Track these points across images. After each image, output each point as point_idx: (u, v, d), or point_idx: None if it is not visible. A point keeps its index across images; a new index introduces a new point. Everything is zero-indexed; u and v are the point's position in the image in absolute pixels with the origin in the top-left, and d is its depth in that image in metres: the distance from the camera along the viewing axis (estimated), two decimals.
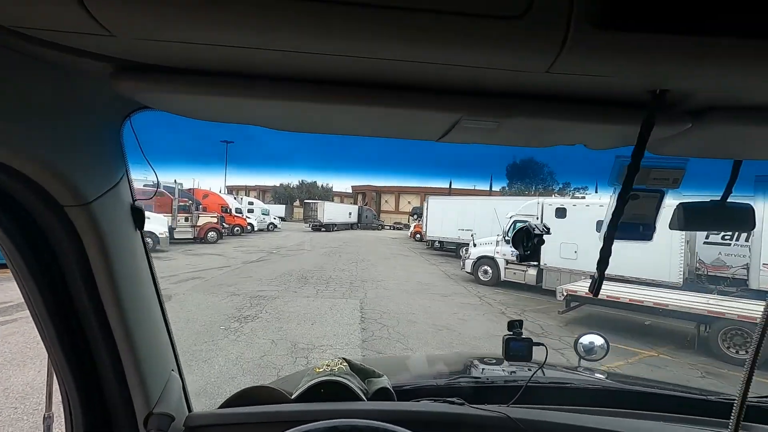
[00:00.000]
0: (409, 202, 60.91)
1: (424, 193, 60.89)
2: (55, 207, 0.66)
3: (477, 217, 18.31)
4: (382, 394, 1.22)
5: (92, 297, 0.78)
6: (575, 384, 1.45)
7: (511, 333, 1.27)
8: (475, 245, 13.06)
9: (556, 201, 11.71)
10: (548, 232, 1.08)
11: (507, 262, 12.12)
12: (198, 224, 20.32)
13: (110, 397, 0.86)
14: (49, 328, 0.76)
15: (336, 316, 7.73)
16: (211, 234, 20.74)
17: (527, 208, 11.81)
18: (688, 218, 0.99)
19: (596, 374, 1.77)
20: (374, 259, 17.75)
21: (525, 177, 44.57)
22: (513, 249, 11.97)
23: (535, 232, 1.07)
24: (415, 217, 43.51)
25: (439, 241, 21.72)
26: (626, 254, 9.72)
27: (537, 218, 11.48)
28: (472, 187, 57.15)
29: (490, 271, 12.44)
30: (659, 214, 0.92)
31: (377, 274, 13.10)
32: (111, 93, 0.65)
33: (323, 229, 36.99)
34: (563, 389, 1.40)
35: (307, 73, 0.62)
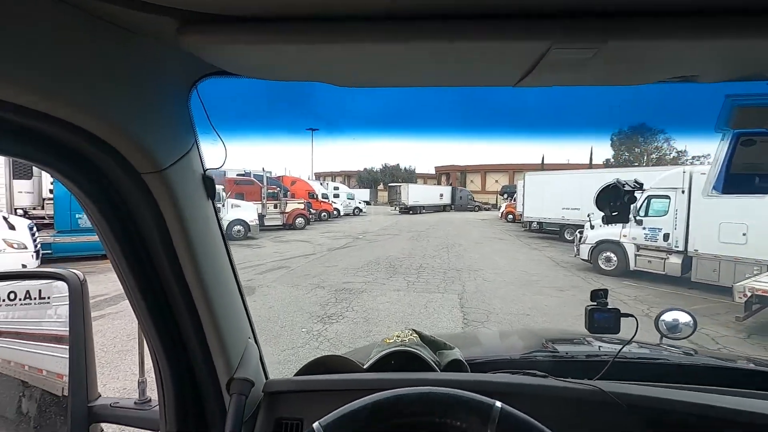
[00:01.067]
0: (496, 181, 57.45)
1: (513, 170, 57.13)
2: (133, 174, 0.67)
3: (588, 193, 15.66)
4: (455, 365, 1.13)
5: (173, 264, 0.78)
6: (669, 359, 1.36)
7: (595, 303, 1.13)
8: (592, 227, 10.85)
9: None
10: (641, 188, 1.02)
11: (638, 247, 9.80)
12: (286, 211, 20.50)
13: (195, 362, 0.87)
14: (136, 295, 0.78)
15: (433, 317, 6.50)
16: (299, 220, 20.83)
17: (667, 179, 9.31)
18: None
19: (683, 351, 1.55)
20: (466, 243, 16.17)
21: (635, 146, 38.96)
22: (635, 226, 9.53)
23: (626, 188, 1.00)
24: (506, 196, 40.54)
25: (538, 222, 19.30)
26: None
27: (683, 192, 8.98)
28: (567, 161, 52.01)
29: (615, 258, 10.21)
30: None
31: (473, 262, 11.58)
32: (180, 56, 0.66)
33: (411, 212, 36.11)
34: (656, 365, 1.29)
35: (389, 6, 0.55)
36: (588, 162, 46.29)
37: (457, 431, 0.66)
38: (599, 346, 1.55)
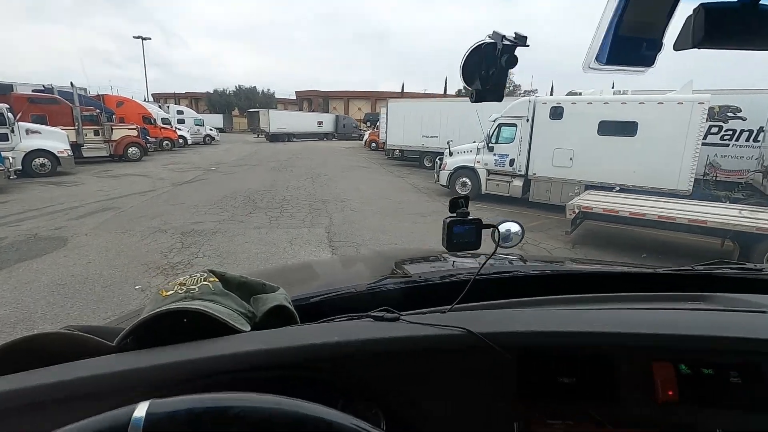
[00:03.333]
0: (359, 108, 57.19)
1: (375, 98, 57.51)
2: None
3: (446, 122, 16.36)
4: (277, 315, 0.80)
5: None
6: (523, 271, 1.30)
7: (454, 215, 0.93)
8: (451, 154, 11.34)
9: (552, 99, 9.95)
10: (524, 43, 0.77)
11: (489, 172, 10.62)
12: (113, 139, 16.73)
13: None
14: None
15: (299, 255, 5.95)
16: (132, 150, 17.32)
17: (515, 108, 9.99)
18: (710, 28, 0.67)
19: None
20: (331, 172, 15.68)
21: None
22: (492, 155, 10.40)
23: (505, 43, 0.76)
24: (369, 124, 40.69)
25: (400, 150, 19.79)
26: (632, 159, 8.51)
27: (528, 120, 9.79)
28: (423, 91, 54.31)
29: (469, 183, 10.95)
30: (669, 22, 0.68)
31: (339, 192, 11.21)
32: None
33: (280, 141, 34.12)
34: (516, 279, 1.21)
35: None
36: (443, 91, 49.11)
37: None
38: (453, 261, 1.46)
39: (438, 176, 11.62)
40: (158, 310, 0.70)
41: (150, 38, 39.49)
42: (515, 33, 0.78)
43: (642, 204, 6.81)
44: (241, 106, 52.18)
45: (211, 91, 55.21)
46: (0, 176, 9.95)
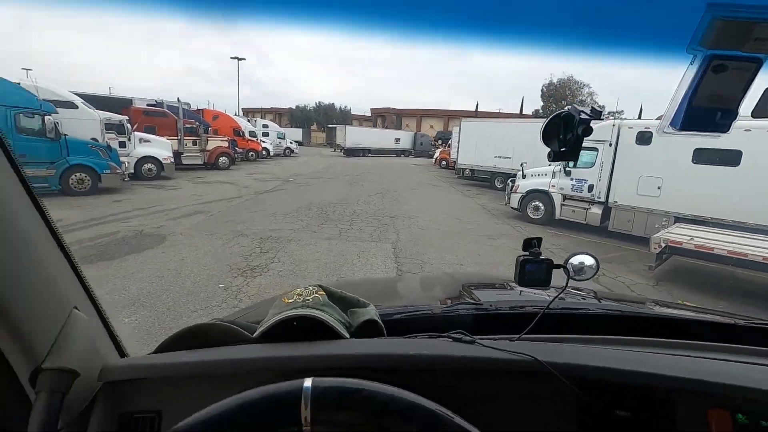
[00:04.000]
0: (431, 126, 57.57)
1: (448, 116, 57.57)
2: None
3: (520, 143, 15.94)
4: (369, 327, 0.95)
5: None
6: (592, 309, 1.30)
7: (527, 253, 1.00)
8: (524, 176, 11.02)
9: (639, 123, 9.32)
10: (599, 117, 0.87)
11: (564, 197, 10.14)
12: (207, 149, 18.59)
13: None
14: None
15: (366, 268, 6.15)
16: (223, 159, 19.08)
17: (597, 131, 9.49)
18: None
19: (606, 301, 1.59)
20: (401, 188, 15.96)
21: (562, 98, 40.62)
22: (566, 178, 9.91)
23: (581, 116, 0.84)
24: (440, 142, 40.76)
25: (471, 170, 19.59)
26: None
27: (610, 144, 9.25)
28: (498, 110, 53.24)
29: (542, 208, 10.53)
30: (746, 94, 0.68)
31: (408, 209, 11.37)
32: None
33: (361, 155, 35.83)
34: (582, 316, 1.23)
35: None
36: (519, 111, 47.83)
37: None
38: (520, 291, 1.51)
39: (509, 198, 11.33)
40: (289, 313, 0.88)
41: (244, 59, 43.48)
42: (592, 107, 0.86)
43: (743, 242, 6.09)
44: (319, 121, 55.13)
45: (294, 107, 59.08)
46: (117, 178, 11.51)
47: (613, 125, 9.31)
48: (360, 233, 8.22)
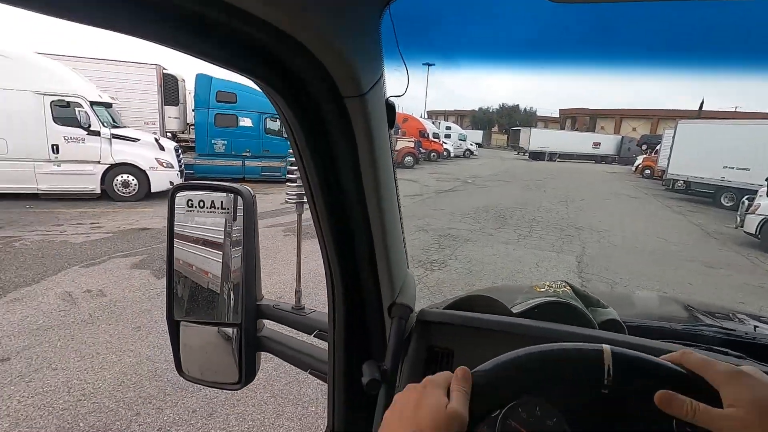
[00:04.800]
0: (633, 129, 49.54)
1: (658, 117, 48.45)
2: (336, 97, 0.68)
3: (765, 151, 12.46)
4: (611, 326, 0.97)
5: (358, 190, 0.80)
6: None
7: None
8: None
9: None
10: None
11: None
12: (396, 148, 20.40)
13: (364, 284, 0.93)
14: (323, 216, 0.82)
15: (544, 278, 5.87)
16: (408, 159, 20.66)
17: None
18: None
19: None
20: (589, 197, 14.43)
21: None
22: None
23: None
24: (645, 147, 34.78)
25: (685, 181, 16.20)
26: None
27: None
28: (734, 108, 41.89)
29: None
30: None
31: (597, 221, 10.23)
32: None
33: (547, 160, 34.33)
34: None
35: None
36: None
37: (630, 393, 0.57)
38: (755, 326, 1.39)
39: (743, 220, 9.01)
40: (543, 299, 0.99)
41: (434, 64, 45.65)
42: None
43: None
44: (501, 123, 53.86)
45: (476, 109, 59.20)
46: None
47: None
48: (540, 241, 7.85)
